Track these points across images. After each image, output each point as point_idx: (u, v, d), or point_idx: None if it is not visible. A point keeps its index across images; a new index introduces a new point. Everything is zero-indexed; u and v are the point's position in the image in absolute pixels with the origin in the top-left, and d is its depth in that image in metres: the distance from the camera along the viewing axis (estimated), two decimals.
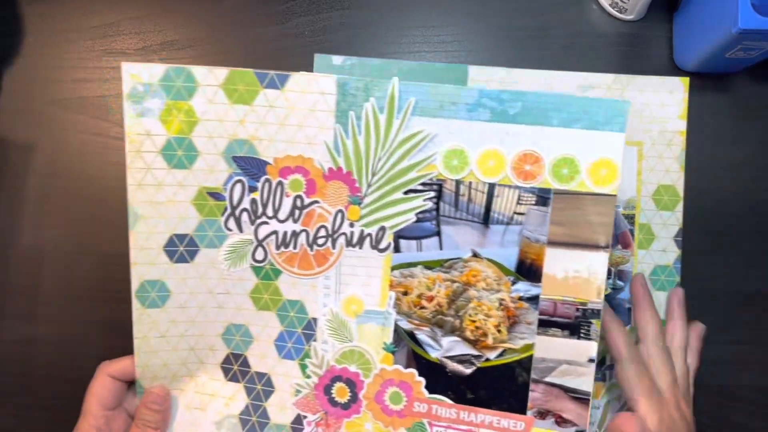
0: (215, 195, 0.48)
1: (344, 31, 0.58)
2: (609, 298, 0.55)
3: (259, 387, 0.51)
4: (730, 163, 0.57)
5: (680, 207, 0.56)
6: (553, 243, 0.47)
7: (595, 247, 0.46)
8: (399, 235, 0.48)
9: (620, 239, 0.56)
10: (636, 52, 0.58)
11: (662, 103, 0.56)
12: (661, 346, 0.49)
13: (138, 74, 0.45)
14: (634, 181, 0.56)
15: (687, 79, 0.56)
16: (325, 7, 0.58)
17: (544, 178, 0.46)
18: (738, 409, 0.56)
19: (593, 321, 0.46)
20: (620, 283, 0.56)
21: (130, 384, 0.51)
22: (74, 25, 0.58)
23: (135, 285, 0.49)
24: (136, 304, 0.49)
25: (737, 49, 0.51)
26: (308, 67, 0.57)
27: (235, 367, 0.51)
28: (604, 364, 0.54)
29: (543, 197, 0.46)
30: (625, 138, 0.46)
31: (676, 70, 0.58)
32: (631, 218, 0.56)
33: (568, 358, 0.47)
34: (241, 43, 0.58)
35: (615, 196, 0.45)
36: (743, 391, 0.56)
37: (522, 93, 0.45)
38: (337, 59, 0.56)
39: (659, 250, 0.56)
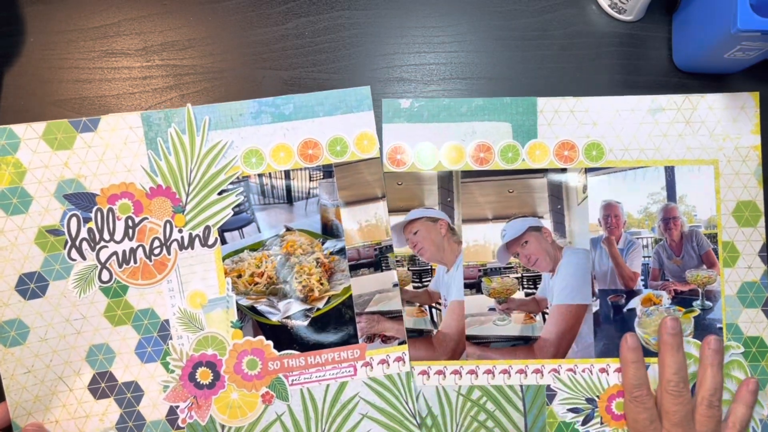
0: (54, 231, 0.56)
1: (344, 31, 0.59)
2: (699, 319, 0.58)
3: (129, 395, 0.57)
4: None
5: (762, 222, 0.57)
6: (344, 204, 0.59)
7: (374, 198, 0.59)
8: (223, 230, 0.58)
9: (704, 259, 0.57)
10: (635, 52, 0.59)
11: (734, 119, 0.57)
12: (673, 390, 0.53)
13: None
14: (713, 199, 0.57)
15: (757, 94, 0.57)
16: (325, 8, 0.59)
17: (324, 157, 0.59)
18: None
19: (389, 255, 0.59)
20: (709, 303, 0.57)
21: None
22: (75, 25, 0.59)
23: None
24: None
25: (736, 50, 0.51)
26: (308, 68, 0.59)
27: (102, 384, 0.57)
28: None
29: (328, 171, 0.59)
30: (696, 156, 0.56)
31: (674, 70, 0.59)
32: (713, 237, 0.57)
33: (378, 289, 0.59)
34: (241, 43, 0.59)
35: (379, 158, 0.59)
36: None
37: (291, 96, 0.59)
38: (405, 102, 0.59)
39: (745, 267, 0.57)
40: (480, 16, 0.60)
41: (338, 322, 0.58)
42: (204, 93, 0.59)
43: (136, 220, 0.57)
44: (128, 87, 0.59)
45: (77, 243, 0.56)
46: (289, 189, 0.59)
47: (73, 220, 0.56)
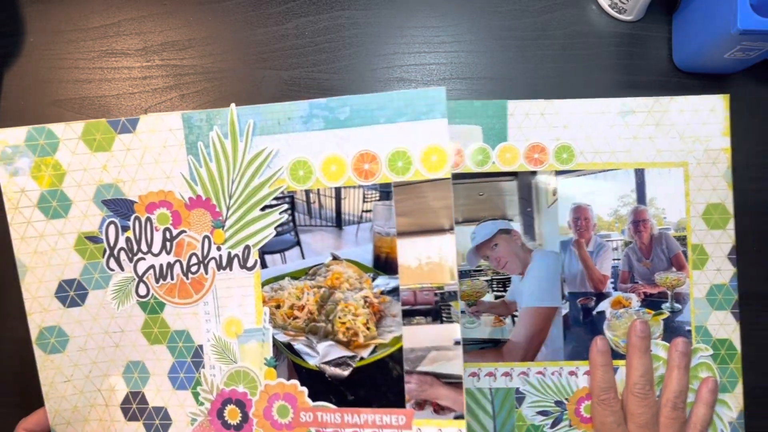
0: (93, 239, 0.52)
1: (344, 31, 0.58)
2: (668, 322, 0.56)
3: (157, 422, 0.52)
4: None
5: (731, 224, 0.56)
6: (402, 234, 0.48)
7: (440, 230, 0.47)
8: (263, 251, 0.50)
9: (674, 261, 0.57)
10: (635, 52, 0.59)
11: (704, 121, 0.56)
12: (639, 392, 0.52)
13: (5, 139, 0.51)
14: (682, 202, 0.57)
15: (727, 96, 0.56)
16: (325, 8, 0.59)
17: (382, 174, 0.48)
18: None
19: (452, 303, 0.47)
20: (678, 306, 0.56)
21: None
22: (75, 25, 0.58)
23: (34, 334, 0.52)
24: (38, 351, 0.52)
25: (736, 50, 0.51)
26: (308, 68, 0.58)
27: (134, 405, 0.53)
28: None
29: (385, 192, 0.48)
30: (665, 159, 0.55)
31: (674, 70, 0.58)
32: (683, 240, 0.57)
33: (436, 344, 0.47)
34: (241, 43, 0.58)
35: (449, 179, 0.46)
36: None
37: (348, 98, 0.48)
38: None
39: (714, 270, 0.56)
40: (480, 16, 0.59)
41: (384, 379, 0.48)
42: (204, 93, 0.58)
43: (174, 232, 0.51)
44: (128, 87, 0.57)
45: (115, 252, 0.52)
46: (339, 210, 0.49)
47: (111, 228, 0.52)
